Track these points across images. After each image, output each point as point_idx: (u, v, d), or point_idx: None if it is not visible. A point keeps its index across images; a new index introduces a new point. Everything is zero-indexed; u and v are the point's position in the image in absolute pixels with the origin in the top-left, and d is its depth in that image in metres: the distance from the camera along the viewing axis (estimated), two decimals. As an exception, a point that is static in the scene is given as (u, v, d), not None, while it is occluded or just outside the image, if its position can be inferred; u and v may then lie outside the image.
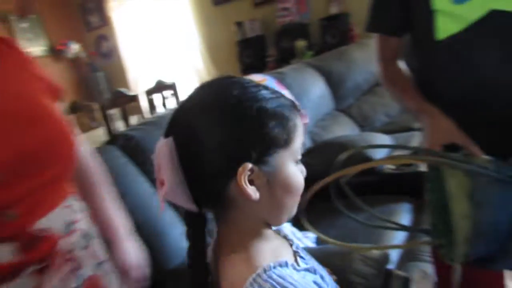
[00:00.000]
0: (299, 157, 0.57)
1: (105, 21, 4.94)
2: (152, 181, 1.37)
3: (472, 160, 0.78)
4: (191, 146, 0.53)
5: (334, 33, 3.50)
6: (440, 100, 0.95)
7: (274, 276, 0.50)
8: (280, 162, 0.54)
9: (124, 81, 4.95)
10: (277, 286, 0.49)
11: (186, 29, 4.52)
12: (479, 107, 0.92)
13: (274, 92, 0.56)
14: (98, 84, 4.96)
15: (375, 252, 1.09)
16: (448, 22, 0.91)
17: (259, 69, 3.79)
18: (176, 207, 1.37)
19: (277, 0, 3.86)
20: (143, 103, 3.69)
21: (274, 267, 0.52)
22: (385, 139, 1.93)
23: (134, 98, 3.47)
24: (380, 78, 1.08)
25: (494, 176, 0.74)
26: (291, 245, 0.63)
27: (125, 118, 3.19)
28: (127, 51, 4.94)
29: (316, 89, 2.49)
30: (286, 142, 0.54)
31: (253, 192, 0.52)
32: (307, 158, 1.06)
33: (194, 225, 0.58)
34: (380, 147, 1.53)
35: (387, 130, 2.34)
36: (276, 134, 0.53)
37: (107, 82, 5.07)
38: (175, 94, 4.01)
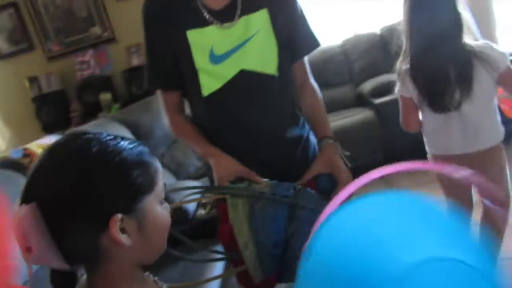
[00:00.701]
0: (163, 196, 0.61)
1: None
2: None
3: (251, 187, 0.88)
4: (57, 208, 0.53)
5: (139, 84, 3.51)
6: (217, 143, 1.06)
7: None
8: (148, 206, 0.57)
9: None
10: None
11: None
12: (243, 148, 1.06)
13: (133, 141, 0.59)
14: None
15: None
16: (210, 80, 1.04)
17: (63, 126, 3.49)
18: None
19: (73, 54, 3.67)
20: None
21: None
22: (195, 185, 1.99)
23: None
24: (170, 129, 1.14)
25: (268, 198, 0.85)
26: None
27: None
28: None
29: (124, 143, 2.43)
30: (150, 187, 0.57)
31: (125, 239, 0.54)
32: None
33: (63, 285, 0.57)
34: (179, 190, 1.59)
35: (200, 174, 2.44)
36: (140, 182, 0.56)
37: None
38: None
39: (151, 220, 0.57)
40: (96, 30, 3.70)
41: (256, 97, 1.05)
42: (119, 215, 0.53)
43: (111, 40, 3.72)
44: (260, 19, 1.04)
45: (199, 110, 1.11)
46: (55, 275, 0.56)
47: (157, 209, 0.59)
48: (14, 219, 0.53)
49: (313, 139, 1.14)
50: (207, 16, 1.02)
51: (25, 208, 0.52)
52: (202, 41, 1.02)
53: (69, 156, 0.55)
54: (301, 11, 1.12)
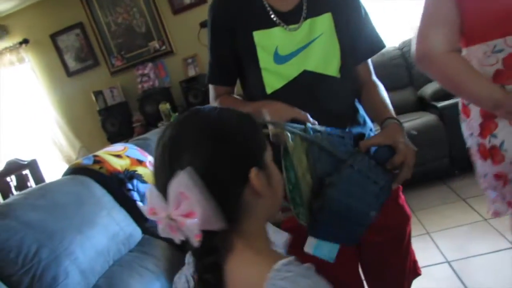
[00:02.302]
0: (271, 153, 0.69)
1: None
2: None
3: (307, 128, 0.87)
4: (208, 169, 0.58)
5: (196, 94, 3.62)
6: None
7: (288, 274, 0.56)
8: (268, 161, 0.65)
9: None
10: (297, 279, 0.55)
11: (40, 103, 4.21)
12: None
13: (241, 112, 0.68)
14: None
15: None
16: (274, 78, 1.06)
17: (127, 136, 3.68)
18: None
19: (134, 68, 3.86)
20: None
21: (286, 264, 0.57)
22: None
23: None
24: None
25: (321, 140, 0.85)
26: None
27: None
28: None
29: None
30: (265, 144, 0.66)
31: (264, 189, 0.62)
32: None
33: (207, 257, 0.60)
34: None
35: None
36: (261, 139, 0.66)
37: None
38: (35, 173, 3.64)
39: (273, 174, 0.65)
40: (155, 44, 3.87)
41: (317, 96, 1.05)
42: (256, 168, 0.61)
43: (169, 53, 3.88)
44: (324, 23, 1.05)
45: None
46: (200, 249, 0.59)
47: (274, 165, 0.67)
48: (172, 188, 0.56)
49: None
50: (274, 18, 1.05)
51: (182, 174, 0.56)
52: (268, 41, 1.04)
53: (205, 125, 0.62)
54: (366, 13, 1.11)
